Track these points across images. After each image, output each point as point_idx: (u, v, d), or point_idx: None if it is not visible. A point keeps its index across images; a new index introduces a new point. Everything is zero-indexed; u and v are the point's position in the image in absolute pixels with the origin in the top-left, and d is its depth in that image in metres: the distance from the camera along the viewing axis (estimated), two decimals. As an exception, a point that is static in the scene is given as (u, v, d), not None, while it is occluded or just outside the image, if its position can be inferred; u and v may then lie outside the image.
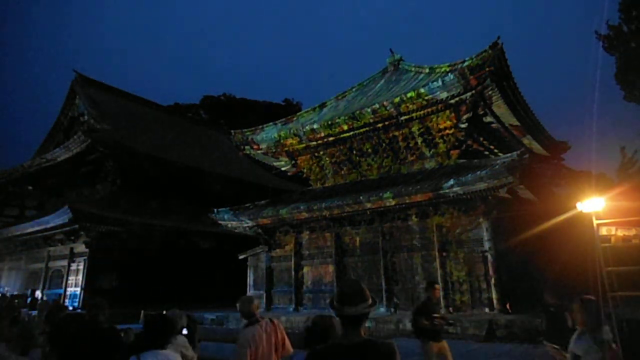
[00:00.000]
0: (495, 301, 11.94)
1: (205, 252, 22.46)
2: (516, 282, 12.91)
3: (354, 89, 19.27)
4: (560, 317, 5.89)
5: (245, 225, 17.09)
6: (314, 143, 17.27)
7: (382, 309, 13.96)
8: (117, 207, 20.26)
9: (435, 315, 6.08)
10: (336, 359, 2.03)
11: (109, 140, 20.43)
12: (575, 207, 6.90)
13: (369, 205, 13.70)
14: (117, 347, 3.63)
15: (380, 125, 15.47)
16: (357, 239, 15.45)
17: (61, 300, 18.99)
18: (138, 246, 20.43)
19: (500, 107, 13.96)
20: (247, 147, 19.06)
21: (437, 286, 6.50)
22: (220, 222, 17.76)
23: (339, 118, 15.96)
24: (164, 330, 2.98)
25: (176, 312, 4.70)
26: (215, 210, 17.61)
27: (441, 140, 14.94)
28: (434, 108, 14.31)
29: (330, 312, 2.31)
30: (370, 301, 2.13)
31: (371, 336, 5.51)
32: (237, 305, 4.07)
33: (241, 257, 18.59)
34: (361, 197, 13.69)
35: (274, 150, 18.59)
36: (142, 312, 16.66)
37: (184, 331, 4.59)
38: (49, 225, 19.51)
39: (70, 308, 18.45)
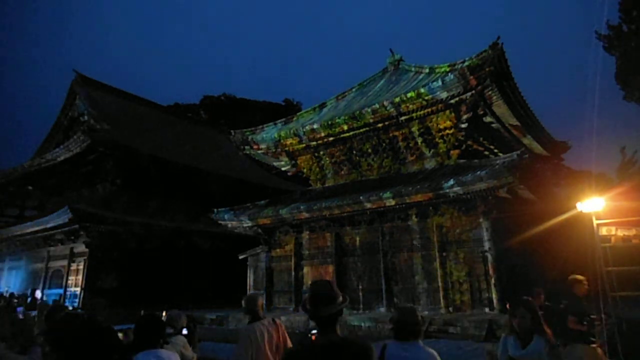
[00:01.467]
0: (495, 301, 11.93)
1: (205, 252, 22.45)
2: (516, 282, 12.90)
3: (354, 89, 19.25)
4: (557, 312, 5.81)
5: (245, 225, 17.09)
6: (314, 143, 17.26)
7: (382, 309, 13.95)
8: (117, 207, 20.25)
9: (592, 316, 5.34)
10: (312, 359, 2.06)
11: (109, 140, 20.41)
12: (575, 207, 6.91)
13: (368, 205, 13.69)
14: (115, 347, 3.62)
15: (380, 125, 15.47)
16: (357, 239, 15.44)
17: (61, 300, 18.99)
18: (138, 246, 20.42)
19: (500, 107, 13.96)
20: (247, 147, 19.05)
21: (584, 281, 5.59)
22: (220, 222, 17.75)
23: (339, 118, 15.96)
24: (153, 329, 2.97)
25: (176, 312, 4.70)
26: (215, 210, 17.60)
27: (441, 140, 14.93)
28: (434, 108, 14.30)
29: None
30: (340, 299, 2.18)
31: (371, 336, 5.50)
32: (242, 302, 4.07)
33: (241, 257, 18.59)
34: (361, 197, 13.69)
35: (274, 150, 18.58)
36: (142, 312, 16.67)
37: (184, 331, 4.58)
38: (49, 225, 19.49)
39: (70, 308, 18.43)
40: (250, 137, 18.68)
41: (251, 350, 3.62)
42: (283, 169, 20.06)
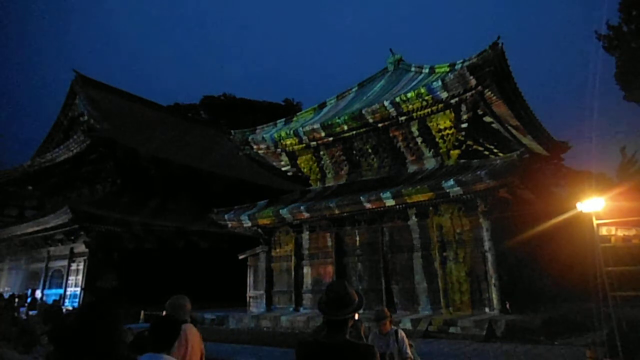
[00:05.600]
0: (495, 301, 11.92)
1: (205, 252, 22.44)
2: (516, 282, 12.90)
3: (354, 89, 19.25)
4: None
5: (245, 225, 17.08)
6: (314, 143, 17.25)
7: (382, 309, 13.92)
8: (117, 207, 20.25)
9: None
10: (316, 357, 2.19)
11: (108, 140, 20.41)
12: (575, 207, 6.91)
13: (368, 205, 13.68)
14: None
15: (380, 125, 15.46)
16: (357, 239, 15.44)
17: (61, 301, 19.01)
18: (138, 246, 20.42)
19: (500, 107, 13.95)
20: (247, 147, 19.04)
21: None
22: (220, 222, 17.74)
23: (338, 118, 15.95)
24: (170, 335, 2.93)
25: (178, 300, 4.28)
26: (215, 210, 17.59)
27: (441, 140, 14.93)
28: (434, 108, 14.30)
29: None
30: (355, 305, 2.25)
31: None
32: (166, 307, 3.47)
33: (241, 257, 18.57)
34: (361, 198, 13.68)
35: (273, 150, 18.57)
36: (142, 312, 16.68)
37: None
38: (49, 225, 19.50)
39: (70, 308, 18.45)
40: (250, 137, 18.67)
41: (188, 348, 3.38)
42: (283, 169, 20.04)
